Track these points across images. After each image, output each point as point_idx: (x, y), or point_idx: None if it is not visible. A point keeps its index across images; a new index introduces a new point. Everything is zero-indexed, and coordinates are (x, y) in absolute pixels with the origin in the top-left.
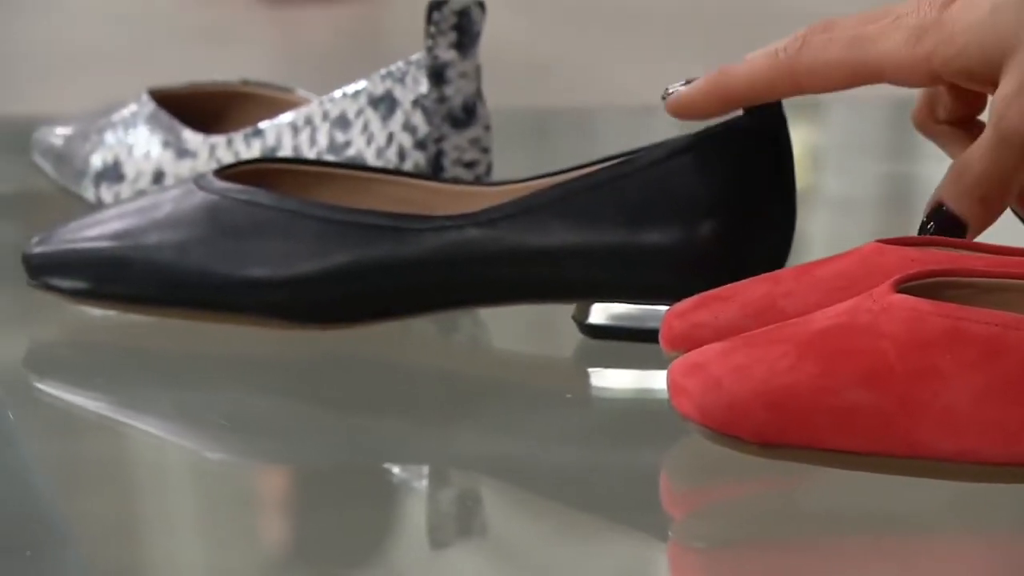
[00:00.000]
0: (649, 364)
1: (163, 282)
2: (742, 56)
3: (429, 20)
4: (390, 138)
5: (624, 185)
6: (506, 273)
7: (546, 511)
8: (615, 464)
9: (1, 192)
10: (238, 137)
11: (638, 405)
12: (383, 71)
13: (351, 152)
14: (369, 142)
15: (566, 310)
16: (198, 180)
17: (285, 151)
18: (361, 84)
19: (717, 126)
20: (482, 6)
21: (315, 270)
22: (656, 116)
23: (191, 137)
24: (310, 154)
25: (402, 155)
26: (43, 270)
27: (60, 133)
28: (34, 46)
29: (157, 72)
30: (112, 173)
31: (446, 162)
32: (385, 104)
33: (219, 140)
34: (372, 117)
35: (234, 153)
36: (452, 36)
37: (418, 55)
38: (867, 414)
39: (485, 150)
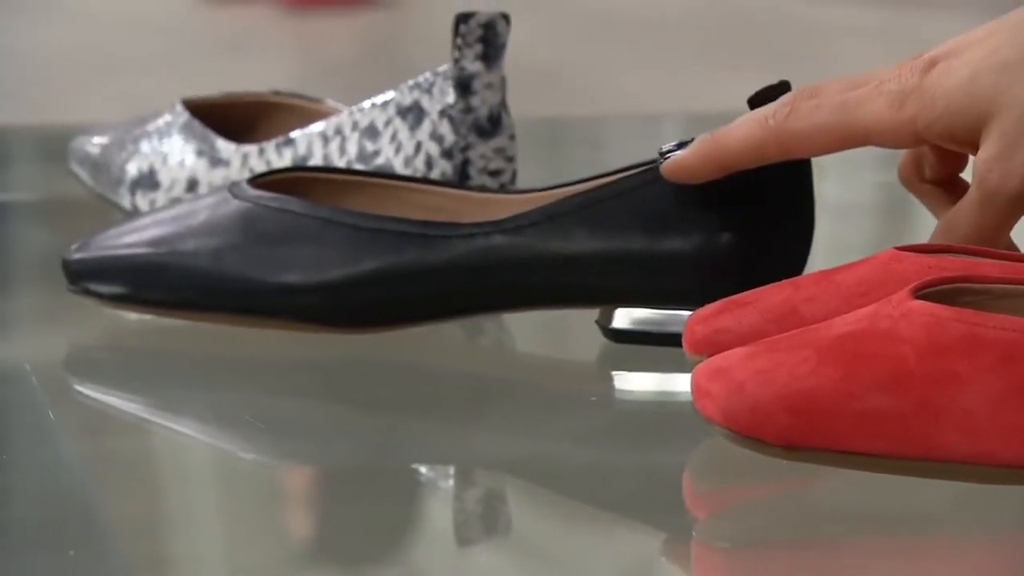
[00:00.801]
0: (671, 368)
1: (198, 287)
2: (744, 62)
3: (456, 32)
4: (418, 147)
5: (646, 193)
6: (531, 279)
7: (570, 511)
8: (638, 465)
9: (40, 199)
10: (270, 146)
11: (661, 408)
12: (411, 82)
13: (380, 161)
14: (397, 151)
15: (590, 314)
16: (232, 188)
17: (316, 160)
18: (389, 95)
19: None
20: (507, 19)
21: (346, 276)
22: (664, 124)
23: (224, 146)
24: (340, 163)
25: (429, 164)
26: (82, 276)
27: (96, 142)
28: (62, 54)
29: (184, 80)
30: (147, 181)
31: (472, 171)
32: (413, 114)
33: (251, 149)
34: (400, 127)
35: (266, 162)
36: (478, 48)
37: (445, 66)
38: (887, 418)
39: (510, 159)
